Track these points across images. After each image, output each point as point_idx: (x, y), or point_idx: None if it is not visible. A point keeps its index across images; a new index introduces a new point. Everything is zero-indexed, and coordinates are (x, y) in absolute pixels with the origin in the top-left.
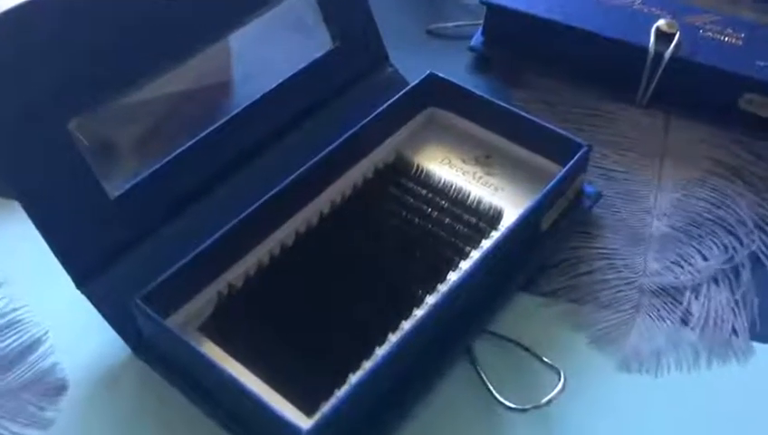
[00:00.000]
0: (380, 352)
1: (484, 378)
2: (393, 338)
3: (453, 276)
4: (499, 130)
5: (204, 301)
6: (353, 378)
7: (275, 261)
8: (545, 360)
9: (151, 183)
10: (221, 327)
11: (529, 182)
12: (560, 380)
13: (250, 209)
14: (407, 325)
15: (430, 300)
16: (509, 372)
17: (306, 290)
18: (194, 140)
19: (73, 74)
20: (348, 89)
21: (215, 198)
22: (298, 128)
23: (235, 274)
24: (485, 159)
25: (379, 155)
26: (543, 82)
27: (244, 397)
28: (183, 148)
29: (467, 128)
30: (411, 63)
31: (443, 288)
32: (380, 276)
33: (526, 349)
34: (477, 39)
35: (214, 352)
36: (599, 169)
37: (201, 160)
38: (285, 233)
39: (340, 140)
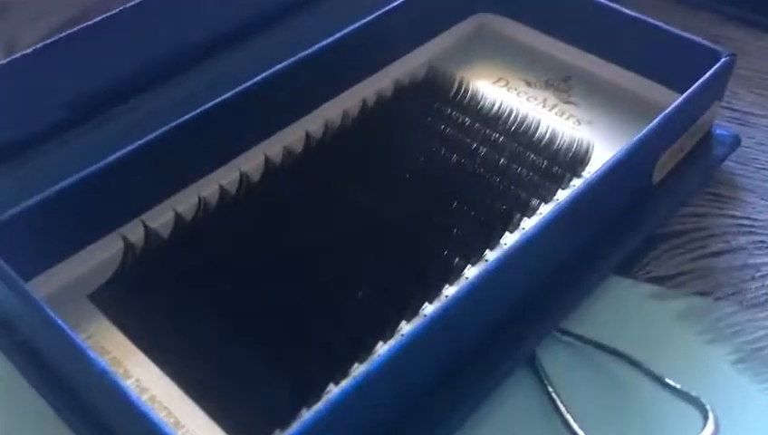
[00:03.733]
0: (383, 350)
1: (563, 409)
2: (406, 329)
3: (510, 240)
4: (584, 42)
5: (106, 254)
6: (333, 390)
7: (229, 201)
8: (672, 384)
9: (46, 56)
10: (125, 297)
11: (628, 115)
12: (706, 420)
13: (190, 116)
14: (430, 310)
15: (470, 273)
16: (603, 399)
17: (272, 249)
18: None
19: None
20: None
21: (148, 99)
22: (281, 24)
23: (162, 216)
24: (562, 81)
25: (405, 67)
26: None
27: (136, 417)
28: (103, 17)
29: (536, 41)
30: None
31: (492, 256)
32: (396, 235)
33: (634, 363)
34: None
35: (107, 336)
36: (730, 110)
37: (130, 47)
38: (249, 161)
39: (341, 34)
